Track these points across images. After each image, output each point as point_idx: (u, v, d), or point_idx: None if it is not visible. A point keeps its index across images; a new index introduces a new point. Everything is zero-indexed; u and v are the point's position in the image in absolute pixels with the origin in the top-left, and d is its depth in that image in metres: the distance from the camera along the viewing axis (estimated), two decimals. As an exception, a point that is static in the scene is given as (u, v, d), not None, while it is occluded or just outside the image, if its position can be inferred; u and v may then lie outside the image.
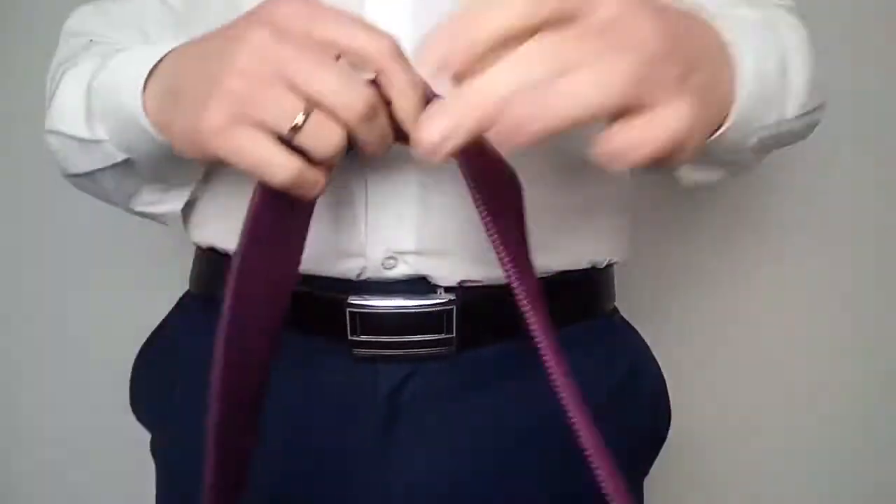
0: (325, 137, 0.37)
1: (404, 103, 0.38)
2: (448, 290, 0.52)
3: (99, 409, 0.96)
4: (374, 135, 0.38)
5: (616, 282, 0.63)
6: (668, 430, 0.64)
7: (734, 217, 0.95)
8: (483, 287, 0.52)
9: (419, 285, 0.51)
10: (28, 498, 1.02)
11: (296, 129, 0.36)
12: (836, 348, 0.98)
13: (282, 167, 0.37)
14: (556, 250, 0.54)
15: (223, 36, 0.40)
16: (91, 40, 0.56)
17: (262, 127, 0.37)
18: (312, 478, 0.54)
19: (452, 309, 0.51)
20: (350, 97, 0.36)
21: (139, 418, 0.63)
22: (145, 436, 0.63)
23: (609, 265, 0.60)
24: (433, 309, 0.51)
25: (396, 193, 0.50)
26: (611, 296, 0.62)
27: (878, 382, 0.98)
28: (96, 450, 1.00)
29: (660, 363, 0.64)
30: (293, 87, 0.36)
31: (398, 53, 0.37)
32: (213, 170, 0.55)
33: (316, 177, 0.38)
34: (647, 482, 0.64)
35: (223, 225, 0.54)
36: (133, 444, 0.66)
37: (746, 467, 1.00)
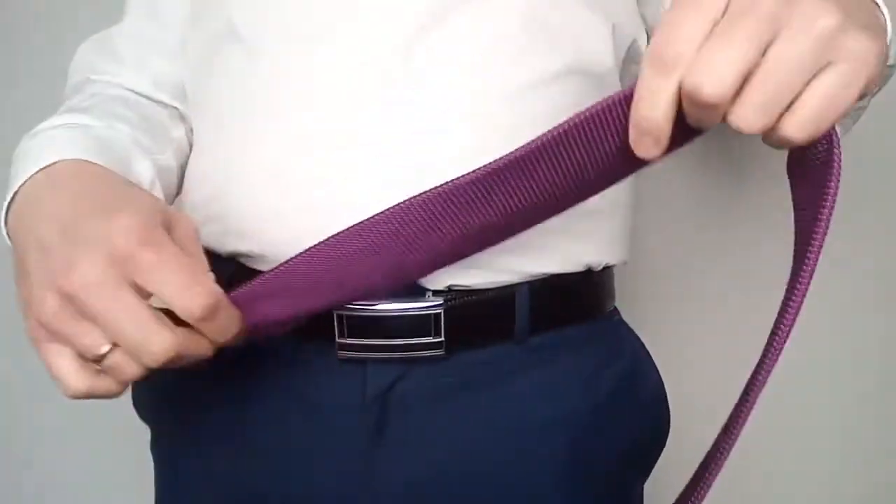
0: (123, 372, 0.41)
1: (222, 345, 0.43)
2: (437, 293, 0.51)
3: (99, 409, 0.96)
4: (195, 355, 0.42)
5: (616, 284, 0.62)
6: (667, 433, 0.64)
7: (736, 219, 0.94)
8: (472, 291, 0.52)
9: (408, 289, 0.51)
10: (28, 497, 1.03)
11: (100, 357, 0.40)
12: (837, 350, 0.97)
13: (71, 384, 0.41)
14: (550, 253, 0.54)
15: (72, 231, 0.41)
16: (88, 78, 0.59)
17: (70, 347, 0.40)
18: (302, 478, 0.54)
19: (441, 313, 0.51)
20: (149, 347, 0.39)
21: (141, 416, 0.63)
22: (145, 435, 0.63)
23: (606, 268, 0.59)
24: (421, 312, 0.51)
25: None
26: (609, 298, 0.62)
27: (881, 383, 0.97)
28: (96, 450, 1.00)
29: (660, 367, 0.63)
30: (101, 326, 0.39)
31: (208, 312, 0.40)
32: (189, 187, 0.57)
33: (109, 387, 0.42)
34: (646, 486, 0.63)
35: (214, 227, 0.54)
36: (133, 443, 0.66)
37: (746, 471, 0.99)
